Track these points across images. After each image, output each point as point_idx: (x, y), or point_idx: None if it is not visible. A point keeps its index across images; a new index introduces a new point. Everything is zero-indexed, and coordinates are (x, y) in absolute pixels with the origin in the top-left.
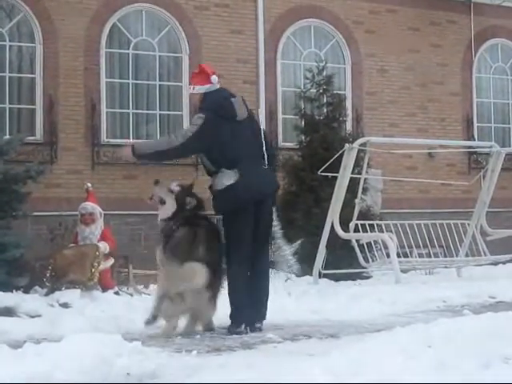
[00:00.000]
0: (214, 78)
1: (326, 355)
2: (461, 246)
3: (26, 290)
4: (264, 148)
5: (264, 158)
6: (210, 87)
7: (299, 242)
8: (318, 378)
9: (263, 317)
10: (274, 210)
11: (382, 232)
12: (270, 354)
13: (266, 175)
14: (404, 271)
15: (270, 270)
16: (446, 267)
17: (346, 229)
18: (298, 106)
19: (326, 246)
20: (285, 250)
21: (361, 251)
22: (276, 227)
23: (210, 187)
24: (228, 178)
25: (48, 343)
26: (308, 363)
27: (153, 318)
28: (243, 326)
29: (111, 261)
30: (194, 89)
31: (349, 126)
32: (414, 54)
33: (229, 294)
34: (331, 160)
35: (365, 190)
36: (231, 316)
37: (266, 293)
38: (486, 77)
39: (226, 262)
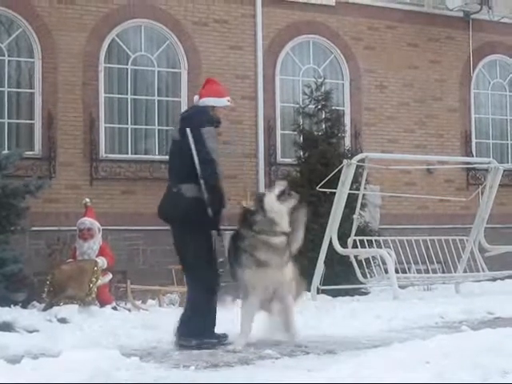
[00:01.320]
0: (195, 97)
1: (323, 370)
2: (459, 261)
3: (24, 305)
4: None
5: (177, 181)
6: None
7: None
8: None
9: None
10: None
11: (381, 248)
12: (267, 370)
13: (167, 199)
14: (402, 287)
15: None
16: (444, 283)
17: (344, 244)
18: (296, 122)
19: (324, 262)
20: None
21: (359, 267)
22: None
23: None
24: None
25: (46, 358)
26: (306, 378)
27: None
28: None
29: (109, 276)
30: None
31: (347, 141)
32: (413, 70)
33: None
34: (330, 176)
35: (363, 206)
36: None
37: (185, 312)
38: (485, 93)
39: None
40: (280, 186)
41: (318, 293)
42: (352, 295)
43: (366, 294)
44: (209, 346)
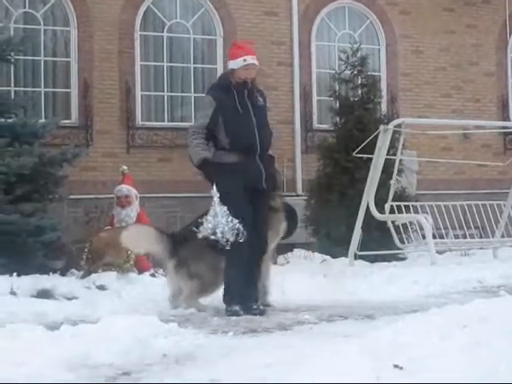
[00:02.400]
0: None
1: (362, 336)
2: (496, 226)
3: (63, 273)
4: None
5: None
6: None
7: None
8: (354, 359)
9: (256, 299)
10: None
11: (418, 213)
12: (306, 335)
13: None
14: (440, 252)
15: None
16: (481, 248)
17: (381, 210)
18: (332, 88)
19: (362, 228)
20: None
21: (396, 232)
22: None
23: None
24: None
25: (85, 325)
26: (344, 345)
27: None
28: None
29: None
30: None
31: (384, 107)
32: (449, 34)
33: None
34: (366, 141)
35: (400, 172)
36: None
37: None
38: None
39: None
40: None
41: (355, 258)
42: (389, 261)
43: (403, 259)
44: (233, 313)
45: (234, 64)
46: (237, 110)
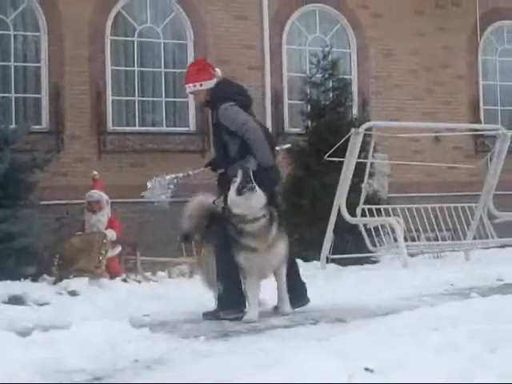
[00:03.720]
0: (218, 70)
1: (333, 339)
2: (468, 229)
3: (34, 279)
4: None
5: None
6: (218, 79)
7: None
8: (325, 362)
9: None
10: None
11: (389, 216)
12: (278, 339)
13: None
14: (412, 255)
15: None
16: (453, 250)
17: (353, 213)
18: (303, 91)
19: (334, 231)
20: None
21: (368, 236)
22: None
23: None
24: (254, 163)
25: (56, 331)
26: (316, 348)
27: None
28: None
29: (118, 248)
30: (202, 85)
31: (355, 110)
32: (420, 37)
33: None
34: (337, 145)
35: (371, 175)
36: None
37: None
38: (492, 59)
39: None
40: (240, 175)
41: (327, 262)
42: (362, 264)
43: (375, 262)
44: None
45: None
46: None
